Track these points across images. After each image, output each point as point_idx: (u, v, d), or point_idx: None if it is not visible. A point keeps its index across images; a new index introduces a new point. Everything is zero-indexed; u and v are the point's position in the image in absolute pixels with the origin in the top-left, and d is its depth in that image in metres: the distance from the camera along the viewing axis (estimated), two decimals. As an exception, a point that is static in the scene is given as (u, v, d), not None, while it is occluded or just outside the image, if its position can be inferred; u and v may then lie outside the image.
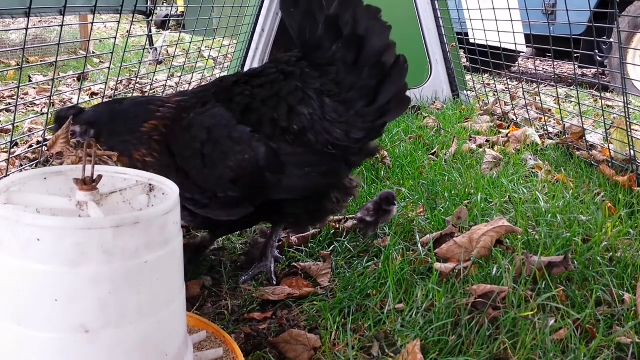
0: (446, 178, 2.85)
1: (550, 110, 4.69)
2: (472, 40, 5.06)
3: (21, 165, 2.96)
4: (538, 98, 4.65)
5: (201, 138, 1.73)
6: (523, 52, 8.69)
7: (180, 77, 4.48)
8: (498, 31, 4.38)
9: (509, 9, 4.13)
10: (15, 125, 2.67)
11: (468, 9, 4.95)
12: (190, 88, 3.76)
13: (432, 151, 3.44)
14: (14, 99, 4.71)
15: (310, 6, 1.77)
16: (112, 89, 4.85)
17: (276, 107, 1.77)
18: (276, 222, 2.01)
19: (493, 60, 4.62)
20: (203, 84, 1.91)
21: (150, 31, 5.33)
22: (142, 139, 1.72)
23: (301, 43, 1.85)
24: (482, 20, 4.56)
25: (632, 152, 2.92)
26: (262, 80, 1.82)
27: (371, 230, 2.21)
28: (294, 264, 2.04)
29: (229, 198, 1.74)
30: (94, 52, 7.64)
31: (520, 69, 6.52)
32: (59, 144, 2.73)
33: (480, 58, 4.79)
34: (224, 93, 1.83)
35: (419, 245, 2.08)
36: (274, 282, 1.94)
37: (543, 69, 8.14)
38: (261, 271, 1.99)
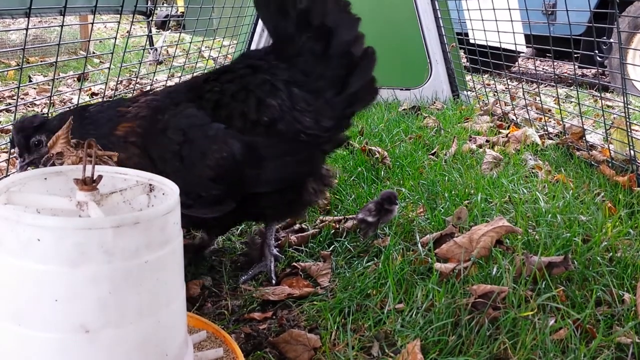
0: (446, 178, 2.85)
1: (550, 110, 4.69)
2: (472, 41, 5.06)
3: (21, 166, 2.95)
4: (538, 98, 4.65)
5: (178, 140, 1.74)
6: (523, 52, 8.69)
7: (180, 77, 4.48)
8: (498, 31, 4.38)
9: (509, 9, 4.13)
10: (15, 125, 2.66)
11: (468, 9, 4.95)
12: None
13: (432, 151, 3.44)
14: (14, 99, 4.71)
15: (283, 3, 1.79)
16: (112, 89, 4.85)
17: (245, 101, 1.79)
18: (257, 216, 2.02)
19: (493, 60, 4.62)
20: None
21: (150, 31, 5.33)
22: (118, 144, 1.72)
23: (275, 39, 1.89)
24: (482, 20, 4.56)
25: (632, 152, 2.92)
26: (231, 76, 1.85)
27: (372, 231, 2.21)
28: (294, 263, 2.04)
29: (212, 197, 1.75)
30: (94, 53, 7.65)
31: (520, 69, 6.53)
32: (59, 144, 2.73)
33: (480, 58, 4.79)
34: (194, 91, 1.85)
35: (419, 245, 2.08)
36: (274, 282, 1.94)
37: (543, 69, 8.14)
38: (261, 271, 1.99)
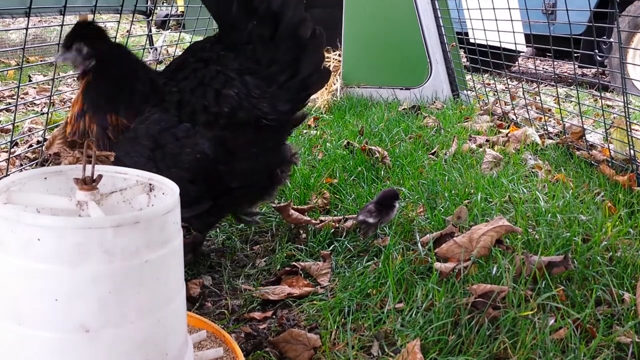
0: (446, 178, 2.85)
1: (550, 110, 4.69)
2: (472, 40, 5.06)
3: (21, 165, 2.96)
4: (538, 98, 4.65)
5: (150, 147, 1.76)
6: (523, 52, 8.69)
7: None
8: (498, 31, 4.38)
9: (509, 8, 4.13)
10: (15, 125, 2.67)
11: (468, 9, 4.95)
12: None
13: (432, 151, 3.44)
14: (14, 99, 4.71)
15: None
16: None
17: (204, 95, 1.80)
18: (234, 207, 2.06)
19: (493, 60, 4.62)
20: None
21: (150, 31, 5.32)
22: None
23: (221, 27, 1.91)
24: (482, 20, 4.56)
25: (632, 151, 2.92)
26: (184, 73, 1.86)
27: (372, 231, 2.21)
28: (293, 263, 2.04)
29: (190, 198, 1.77)
30: (94, 52, 7.63)
31: (520, 68, 6.52)
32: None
33: (480, 58, 4.79)
34: (156, 95, 1.85)
35: (419, 244, 2.08)
36: None
37: (543, 68, 8.14)
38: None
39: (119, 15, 3.16)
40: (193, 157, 1.76)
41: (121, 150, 1.77)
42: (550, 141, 3.60)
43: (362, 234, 2.22)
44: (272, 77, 1.83)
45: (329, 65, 5.62)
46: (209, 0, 1.90)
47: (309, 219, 2.32)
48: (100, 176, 1.13)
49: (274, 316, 1.75)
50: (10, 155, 2.65)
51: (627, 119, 2.88)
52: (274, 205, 2.36)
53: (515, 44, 4.27)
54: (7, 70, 6.26)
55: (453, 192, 2.63)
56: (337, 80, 5.35)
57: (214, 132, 1.79)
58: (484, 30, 4.53)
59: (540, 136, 3.70)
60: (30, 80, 5.80)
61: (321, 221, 2.33)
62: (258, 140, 1.87)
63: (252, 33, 1.81)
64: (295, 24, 1.79)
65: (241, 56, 1.83)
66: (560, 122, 3.81)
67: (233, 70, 1.82)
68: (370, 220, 2.19)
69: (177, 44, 4.80)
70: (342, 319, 1.67)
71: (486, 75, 6.35)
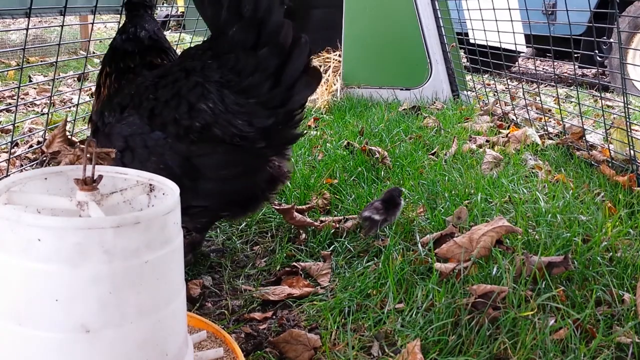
0: (446, 178, 2.85)
1: (550, 110, 4.69)
2: (472, 40, 5.06)
3: (21, 166, 2.96)
4: (538, 98, 4.65)
5: (120, 146, 1.75)
6: (523, 52, 8.69)
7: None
8: (498, 31, 4.38)
9: (509, 9, 4.13)
10: (15, 125, 2.67)
11: (468, 9, 4.95)
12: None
13: (432, 151, 3.44)
14: (14, 99, 4.71)
15: None
16: (112, 89, 4.84)
17: (177, 107, 1.75)
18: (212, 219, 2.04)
19: (493, 60, 4.62)
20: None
21: (150, 31, 5.32)
22: None
23: (211, 31, 1.85)
24: (482, 20, 4.56)
25: (632, 152, 2.92)
26: (166, 81, 1.81)
27: (375, 229, 2.20)
28: (294, 263, 2.04)
29: None
30: (94, 52, 7.64)
31: (520, 69, 6.52)
32: (55, 143, 2.74)
33: (480, 58, 4.80)
34: (137, 97, 1.83)
35: (419, 245, 2.08)
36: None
37: (543, 69, 8.14)
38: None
39: (119, 15, 3.16)
40: (157, 167, 1.72)
41: (98, 143, 1.75)
42: (551, 141, 3.60)
43: (365, 231, 2.21)
44: (251, 89, 1.72)
45: (329, 66, 5.63)
46: (200, 5, 1.82)
47: (311, 221, 2.31)
48: (100, 176, 1.13)
49: (274, 316, 1.75)
50: (11, 156, 2.65)
51: (627, 120, 2.88)
52: (276, 207, 2.34)
53: (515, 44, 4.27)
54: (7, 71, 6.26)
55: (453, 192, 2.63)
56: (337, 80, 5.35)
57: (184, 146, 1.73)
58: (484, 30, 4.53)
59: (541, 136, 3.70)
60: (30, 81, 5.81)
61: (322, 221, 2.33)
62: (232, 161, 1.78)
63: (235, 40, 1.72)
64: (277, 30, 1.69)
65: (223, 66, 1.75)
66: (561, 122, 3.81)
67: (214, 82, 1.75)
68: (376, 217, 2.18)
69: (177, 45, 4.81)
70: (343, 319, 1.68)
71: (486, 75, 6.35)
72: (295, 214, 2.29)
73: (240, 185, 1.84)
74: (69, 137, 2.60)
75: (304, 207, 2.47)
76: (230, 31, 1.72)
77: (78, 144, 2.54)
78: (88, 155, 1.13)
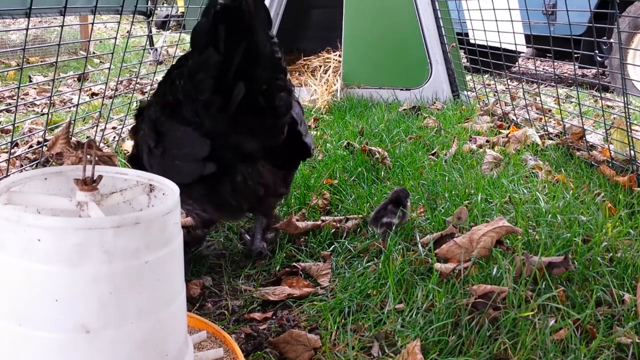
0: (446, 178, 2.85)
1: (550, 110, 4.69)
2: (472, 41, 5.07)
3: (21, 166, 2.96)
4: (538, 98, 4.65)
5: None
6: (523, 53, 8.70)
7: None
8: (498, 31, 4.38)
9: (509, 9, 4.13)
10: (15, 125, 2.67)
11: (468, 9, 4.95)
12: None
13: (432, 151, 3.44)
14: (14, 99, 4.71)
15: None
16: (112, 90, 4.86)
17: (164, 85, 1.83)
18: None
19: (493, 60, 4.62)
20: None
21: (150, 31, 5.33)
22: None
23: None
24: (482, 20, 4.56)
25: (632, 152, 2.92)
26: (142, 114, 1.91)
27: (391, 232, 2.18)
28: (294, 263, 2.04)
29: None
30: (94, 53, 7.65)
31: (521, 69, 6.52)
32: (58, 144, 2.73)
33: (481, 58, 4.80)
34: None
35: (419, 245, 2.08)
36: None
37: (543, 69, 8.14)
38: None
39: (119, 15, 3.16)
40: (148, 129, 1.83)
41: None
42: (551, 142, 3.60)
43: (383, 237, 2.18)
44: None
45: (329, 66, 5.63)
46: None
47: (314, 222, 2.30)
48: (100, 177, 1.13)
49: (274, 317, 1.75)
50: (11, 156, 2.65)
51: (627, 120, 2.88)
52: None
53: (516, 44, 4.27)
54: (7, 71, 6.26)
55: (453, 192, 2.63)
56: (337, 80, 5.35)
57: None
58: (484, 30, 4.53)
59: (541, 137, 3.71)
60: (30, 81, 5.81)
61: (322, 221, 2.33)
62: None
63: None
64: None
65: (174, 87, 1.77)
66: (561, 122, 3.81)
67: (147, 119, 1.82)
68: (395, 220, 2.18)
69: (177, 45, 4.81)
70: (343, 320, 1.67)
71: (486, 75, 6.36)
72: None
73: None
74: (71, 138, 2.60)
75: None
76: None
77: (80, 146, 2.54)
78: (88, 156, 1.13)
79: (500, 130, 4.03)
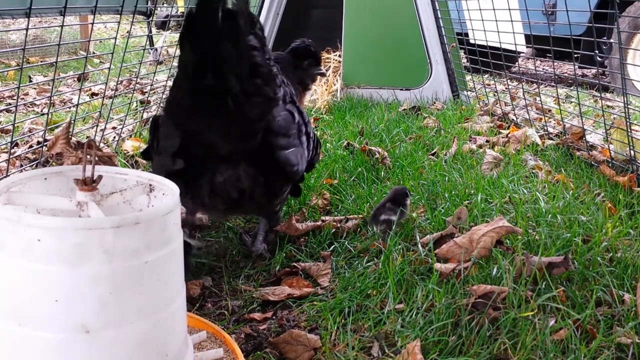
0: (446, 178, 2.85)
1: (550, 110, 4.69)
2: (472, 41, 5.07)
3: (21, 166, 2.95)
4: (538, 98, 4.65)
5: None
6: (523, 53, 8.70)
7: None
8: (498, 31, 4.38)
9: (509, 9, 4.13)
10: (15, 125, 2.67)
11: (468, 9, 4.95)
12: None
13: (432, 151, 3.44)
14: (14, 99, 4.71)
15: None
16: (112, 89, 4.85)
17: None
18: None
19: (493, 60, 4.62)
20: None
21: (150, 31, 5.33)
22: None
23: None
24: (482, 20, 4.56)
25: (632, 152, 2.92)
26: None
27: (391, 229, 2.19)
28: (294, 263, 2.04)
29: None
30: (94, 53, 7.65)
31: (520, 69, 6.52)
32: (58, 144, 2.73)
33: (481, 58, 4.79)
34: None
35: (419, 245, 2.08)
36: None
37: (543, 69, 8.14)
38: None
39: (119, 16, 3.16)
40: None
41: None
42: (551, 142, 3.60)
43: (383, 235, 2.18)
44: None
45: (329, 66, 5.63)
46: None
47: (314, 223, 2.30)
48: (100, 177, 1.13)
49: (274, 317, 1.75)
50: (11, 156, 2.65)
51: (627, 120, 2.88)
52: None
53: (516, 44, 4.27)
54: (7, 71, 6.26)
55: (453, 192, 2.63)
56: (337, 80, 5.35)
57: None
58: (484, 30, 4.53)
59: (541, 137, 3.71)
60: (30, 81, 5.81)
61: (322, 221, 2.32)
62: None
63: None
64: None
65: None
66: (561, 122, 3.81)
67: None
68: (393, 217, 2.19)
69: (177, 45, 4.81)
70: (343, 320, 1.67)
71: (486, 75, 6.36)
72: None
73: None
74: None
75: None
76: None
77: (81, 146, 2.54)
78: (88, 156, 1.13)
79: (500, 130, 4.03)
